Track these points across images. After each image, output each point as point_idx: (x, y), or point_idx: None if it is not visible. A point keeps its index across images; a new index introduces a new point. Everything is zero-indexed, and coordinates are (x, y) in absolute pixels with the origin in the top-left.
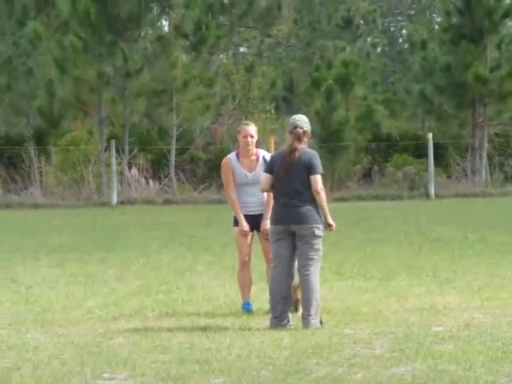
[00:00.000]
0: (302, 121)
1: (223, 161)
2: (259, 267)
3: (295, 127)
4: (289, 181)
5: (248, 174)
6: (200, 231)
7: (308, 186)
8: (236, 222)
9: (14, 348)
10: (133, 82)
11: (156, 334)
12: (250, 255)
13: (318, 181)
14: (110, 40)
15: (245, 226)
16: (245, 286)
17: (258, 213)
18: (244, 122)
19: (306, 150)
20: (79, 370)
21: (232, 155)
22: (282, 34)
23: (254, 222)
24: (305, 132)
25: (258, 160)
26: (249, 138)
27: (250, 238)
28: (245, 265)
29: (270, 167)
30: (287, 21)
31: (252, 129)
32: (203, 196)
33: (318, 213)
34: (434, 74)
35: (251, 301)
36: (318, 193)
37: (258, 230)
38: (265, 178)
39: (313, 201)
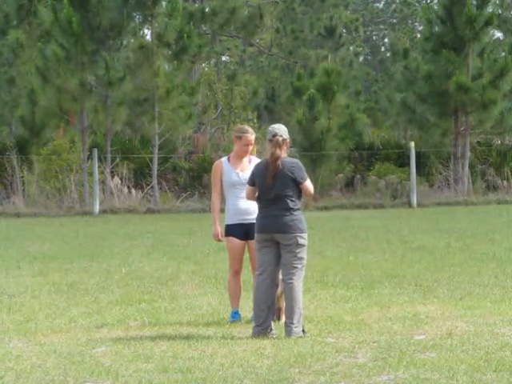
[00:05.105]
0: (282, 129)
1: (214, 163)
2: (243, 276)
3: (274, 135)
4: (272, 190)
5: (240, 172)
6: (182, 240)
7: (291, 195)
8: (228, 232)
9: None
10: (115, 91)
11: (139, 342)
12: (242, 264)
13: (309, 186)
14: (92, 49)
15: (217, 231)
16: (235, 294)
17: (250, 221)
18: (244, 128)
19: (288, 159)
20: (62, 379)
21: (223, 158)
22: (264, 43)
23: (246, 230)
24: (284, 140)
25: (250, 161)
26: (249, 147)
27: (242, 247)
28: (236, 274)
29: (251, 179)
30: (269, 29)
31: (253, 137)
32: (185, 205)
33: (302, 221)
34: (415, 82)
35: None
36: (312, 195)
37: (249, 239)
38: (248, 189)
39: (296, 209)
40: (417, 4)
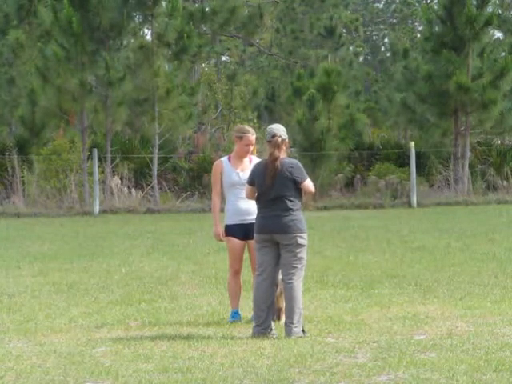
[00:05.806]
0: (280, 130)
1: (214, 163)
2: (243, 276)
3: (273, 136)
4: (271, 191)
5: (240, 172)
6: (182, 240)
7: (290, 195)
8: (228, 232)
9: None
10: (115, 91)
11: (139, 342)
12: (242, 264)
13: (309, 185)
14: (92, 49)
15: (219, 231)
16: (235, 294)
17: (250, 222)
18: (245, 128)
19: (287, 159)
20: (62, 379)
21: (224, 158)
22: (264, 43)
23: (246, 230)
24: (283, 140)
25: (250, 161)
26: (250, 147)
27: (242, 247)
28: (236, 273)
29: (251, 178)
30: (269, 29)
31: (254, 138)
32: (185, 205)
33: (301, 222)
34: (415, 82)
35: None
36: (312, 193)
37: (249, 239)
38: (248, 189)
39: (296, 210)
40: (417, 4)
